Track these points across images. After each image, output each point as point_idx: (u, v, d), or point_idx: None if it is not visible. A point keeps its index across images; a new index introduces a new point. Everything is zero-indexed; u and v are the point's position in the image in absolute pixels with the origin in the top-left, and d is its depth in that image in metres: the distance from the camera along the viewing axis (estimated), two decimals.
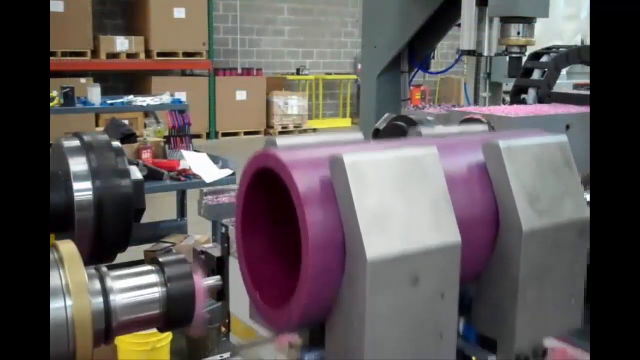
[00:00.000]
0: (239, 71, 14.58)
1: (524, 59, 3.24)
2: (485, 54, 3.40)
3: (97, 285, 1.09)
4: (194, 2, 13.27)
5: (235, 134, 14.03)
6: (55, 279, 1.03)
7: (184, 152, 5.74)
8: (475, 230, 1.27)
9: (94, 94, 6.78)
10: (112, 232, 1.53)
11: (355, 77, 14.95)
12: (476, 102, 4.16)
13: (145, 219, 1.76)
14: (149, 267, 1.18)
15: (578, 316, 1.39)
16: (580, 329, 1.39)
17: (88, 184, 1.51)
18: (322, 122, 15.57)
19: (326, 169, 1.13)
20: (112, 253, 1.56)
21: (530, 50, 3.26)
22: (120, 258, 1.57)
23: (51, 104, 6.28)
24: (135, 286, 1.14)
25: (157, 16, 12.83)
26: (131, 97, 6.97)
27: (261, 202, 1.28)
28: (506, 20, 3.10)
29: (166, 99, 6.81)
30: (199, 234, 5.58)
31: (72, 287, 1.03)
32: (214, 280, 1.22)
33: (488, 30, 3.34)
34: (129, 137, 5.92)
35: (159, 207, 6.65)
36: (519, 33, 3.07)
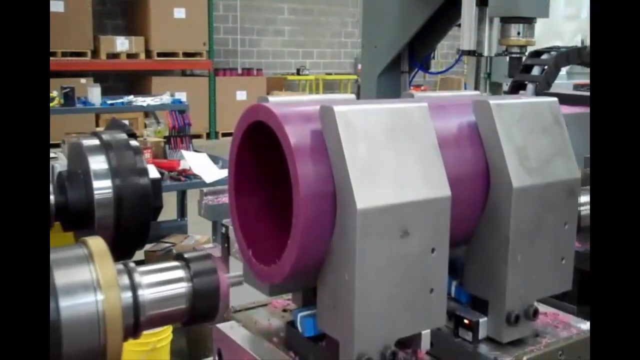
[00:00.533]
0: (239, 71, 14.58)
1: (524, 58, 3.24)
2: (485, 54, 3.40)
3: (126, 280, 1.10)
4: (194, 2, 13.27)
5: None
6: (86, 274, 1.04)
7: (184, 152, 5.74)
8: (465, 188, 1.28)
9: (94, 94, 6.79)
10: (130, 229, 1.56)
11: (355, 77, 14.94)
12: None
13: None
14: (174, 263, 1.19)
15: (569, 276, 1.41)
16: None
17: (108, 182, 1.54)
18: None
19: (318, 122, 1.14)
20: (130, 250, 1.59)
21: (530, 50, 3.26)
22: None
23: (51, 104, 6.29)
24: (162, 281, 1.15)
25: (157, 16, 12.83)
26: (131, 97, 6.99)
27: (253, 161, 1.29)
28: (506, 20, 3.10)
29: (166, 99, 6.82)
30: (199, 234, 5.58)
31: (103, 282, 1.04)
32: (237, 276, 1.23)
33: (488, 30, 3.34)
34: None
35: None
36: (519, 33, 3.07)
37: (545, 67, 3.14)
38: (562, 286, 1.42)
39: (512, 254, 1.29)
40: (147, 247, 5.22)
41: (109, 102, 6.97)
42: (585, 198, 1.59)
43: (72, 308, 1.01)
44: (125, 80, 13.33)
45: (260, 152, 1.28)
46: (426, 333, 1.22)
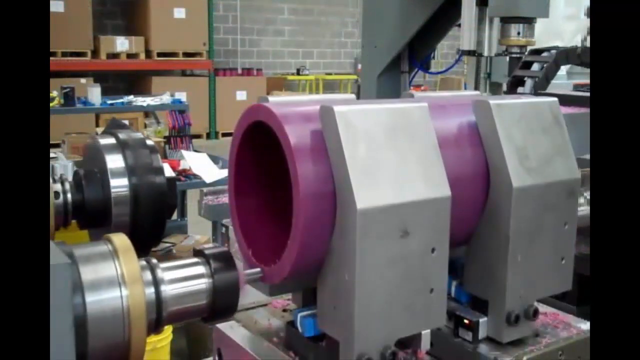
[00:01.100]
0: (239, 71, 14.58)
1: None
2: (485, 54, 3.40)
3: (149, 275, 1.11)
4: (194, 2, 13.27)
5: None
6: (111, 270, 1.05)
7: (184, 152, 5.74)
8: (465, 188, 1.28)
9: (94, 94, 6.80)
10: (146, 227, 1.58)
11: (355, 77, 14.93)
12: None
13: None
14: (195, 259, 1.20)
15: (569, 276, 1.41)
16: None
17: (125, 181, 1.56)
18: None
19: (318, 122, 1.15)
20: (146, 247, 1.59)
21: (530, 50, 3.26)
22: None
23: (51, 104, 6.29)
24: (183, 277, 1.16)
25: (157, 16, 12.83)
26: (131, 97, 6.99)
27: (253, 161, 1.30)
28: (506, 20, 3.10)
29: (166, 99, 6.82)
30: (199, 234, 5.58)
31: (127, 277, 1.05)
32: (255, 272, 1.23)
33: (488, 30, 3.34)
34: None
35: None
36: (519, 33, 3.07)
37: (545, 64, 3.15)
38: (562, 286, 1.42)
39: (512, 254, 1.29)
40: None
41: (109, 102, 6.97)
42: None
43: (98, 303, 1.02)
44: (125, 80, 13.32)
45: (260, 152, 1.28)
46: (426, 333, 1.22)
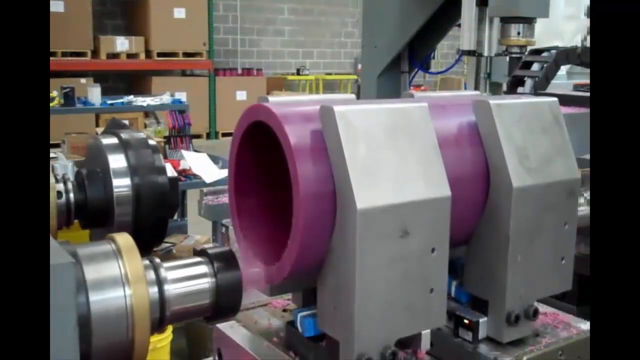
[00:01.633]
0: (239, 71, 14.58)
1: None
2: (485, 54, 3.40)
3: (152, 275, 1.12)
4: (194, 2, 13.27)
5: None
6: (114, 269, 1.06)
7: (184, 152, 5.74)
8: (465, 188, 1.28)
9: (94, 94, 6.80)
10: (149, 227, 1.59)
11: (355, 77, 14.93)
12: None
13: None
14: (198, 259, 1.20)
15: (569, 276, 1.41)
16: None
17: (127, 180, 1.56)
18: None
19: (318, 122, 1.14)
20: (148, 247, 1.60)
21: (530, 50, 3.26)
22: None
23: (51, 104, 6.29)
24: (186, 276, 1.16)
25: (157, 16, 12.82)
26: (131, 97, 6.99)
27: (253, 161, 1.30)
28: (506, 20, 3.10)
29: (166, 99, 6.82)
30: (199, 234, 5.58)
31: (131, 277, 1.05)
32: (258, 271, 1.23)
33: (488, 30, 3.34)
34: None
35: None
36: (519, 33, 3.07)
37: (545, 63, 3.15)
38: (562, 286, 1.42)
39: (512, 254, 1.29)
40: None
41: (109, 102, 6.97)
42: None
43: (102, 302, 1.03)
44: (125, 80, 13.32)
45: (260, 152, 1.28)
46: (426, 333, 1.22)
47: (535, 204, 1.31)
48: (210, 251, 1.20)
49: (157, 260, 1.15)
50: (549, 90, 3.58)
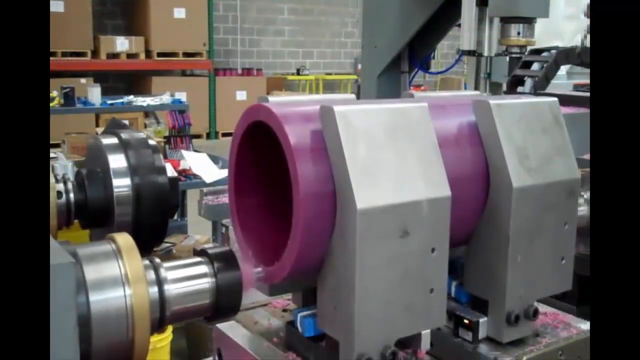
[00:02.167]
0: (239, 71, 14.58)
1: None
2: (485, 54, 3.39)
3: (152, 275, 1.12)
4: (194, 2, 13.27)
5: None
6: (115, 269, 1.05)
7: (184, 152, 5.74)
8: (465, 188, 1.28)
9: (94, 94, 6.80)
10: (149, 227, 1.59)
11: (355, 77, 14.92)
12: None
13: None
14: (198, 259, 1.20)
15: (569, 276, 1.41)
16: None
17: (127, 180, 1.56)
18: None
19: (318, 122, 1.15)
20: (148, 247, 1.60)
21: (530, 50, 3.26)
22: None
23: (51, 104, 6.29)
24: (186, 276, 1.16)
25: (157, 16, 12.82)
26: (131, 97, 6.99)
27: (253, 161, 1.30)
28: (506, 20, 3.10)
29: (166, 99, 6.82)
30: (199, 234, 5.58)
31: (131, 277, 1.05)
32: (258, 271, 1.23)
33: (488, 30, 3.33)
34: None
35: None
36: (519, 33, 3.07)
37: (545, 63, 3.15)
38: (562, 286, 1.42)
39: (512, 254, 1.29)
40: None
41: (109, 102, 6.97)
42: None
43: (102, 302, 1.03)
44: (125, 81, 13.32)
45: (260, 152, 1.28)
46: (426, 333, 1.22)
47: (535, 204, 1.31)
48: (210, 251, 1.20)
49: (157, 260, 1.15)
50: (549, 90, 3.58)
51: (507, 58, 3.31)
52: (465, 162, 1.30)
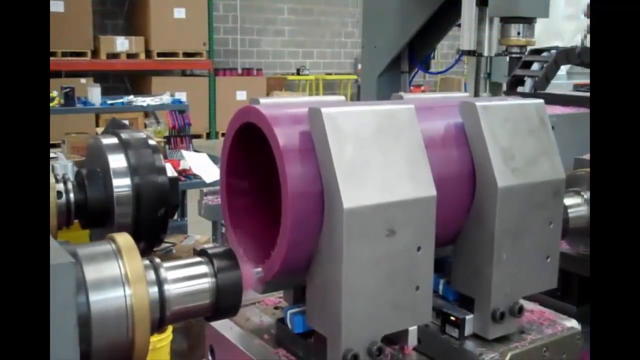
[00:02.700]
0: (239, 71, 14.59)
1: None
2: (485, 54, 3.39)
3: (152, 275, 1.12)
4: (194, 2, 13.28)
5: None
6: (114, 269, 1.06)
7: (184, 152, 5.75)
8: (451, 188, 1.30)
9: (94, 94, 6.81)
10: (149, 227, 1.58)
11: (355, 77, 14.94)
12: None
13: None
14: (198, 259, 1.20)
15: (554, 275, 1.43)
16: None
17: (127, 180, 1.56)
18: None
19: (306, 124, 1.17)
20: (148, 247, 1.60)
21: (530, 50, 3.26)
22: None
23: (51, 104, 6.30)
24: (186, 276, 1.16)
25: (157, 16, 12.83)
26: (131, 97, 6.99)
27: (245, 161, 1.32)
28: (506, 20, 3.10)
29: (166, 99, 6.83)
30: (199, 234, 5.59)
31: (131, 277, 1.05)
32: (258, 271, 1.24)
33: (488, 30, 3.33)
34: None
35: None
36: (519, 33, 3.06)
37: (545, 63, 3.15)
38: (547, 284, 1.43)
39: (497, 252, 1.31)
40: None
41: (109, 102, 6.98)
42: (573, 200, 1.60)
43: (102, 302, 1.03)
44: (126, 81, 13.33)
45: (251, 152, 1.30)
46: (413, 330, 1.24)
47: (521, 204, 1.33)
48: (210, 251, 1.20)
49: (157, 260, 1.15)
50: (548, 90, 3.58)
51: (507, 58, 3.31)
52: (451, 163, 1.32)
